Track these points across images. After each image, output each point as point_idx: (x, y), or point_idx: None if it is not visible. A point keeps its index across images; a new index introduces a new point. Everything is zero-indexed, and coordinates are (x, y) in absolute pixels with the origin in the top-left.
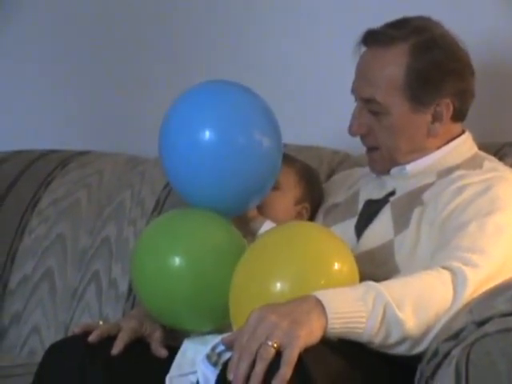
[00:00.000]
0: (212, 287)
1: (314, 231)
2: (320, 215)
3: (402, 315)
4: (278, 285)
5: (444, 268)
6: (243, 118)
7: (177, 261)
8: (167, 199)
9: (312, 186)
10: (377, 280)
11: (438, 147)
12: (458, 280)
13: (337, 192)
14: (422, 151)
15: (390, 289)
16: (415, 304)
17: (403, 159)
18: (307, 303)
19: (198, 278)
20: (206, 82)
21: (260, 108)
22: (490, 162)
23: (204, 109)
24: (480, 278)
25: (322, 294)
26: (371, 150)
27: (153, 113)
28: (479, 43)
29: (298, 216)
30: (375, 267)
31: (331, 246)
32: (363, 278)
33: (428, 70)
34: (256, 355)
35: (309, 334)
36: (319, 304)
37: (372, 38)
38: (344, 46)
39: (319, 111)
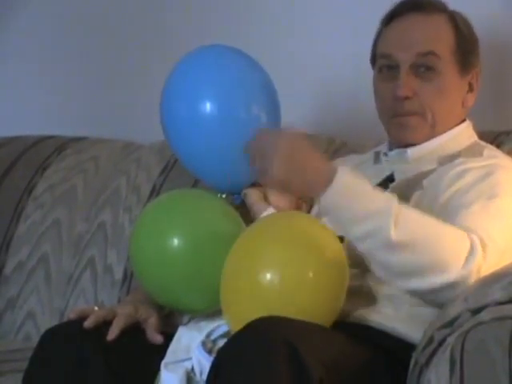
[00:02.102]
0: (210, 266)
1: (305, 222)
2: (316, 202)
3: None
4: (267, 276)
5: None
6: (245, 92)
7: (175, 241)
8: (163, 185)
9: None
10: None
11: (444, 131)
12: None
13: None
14: (454, 121)
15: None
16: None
17: (442, 125)
18: (323, 170)
19: (196, 258)
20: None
21: (263, 84)
22: (490, 150)
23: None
24: (486, 256)
25: (341, 172)
26: (412, 114)
27: (149, 99)
28: (481, 29)
29: (298, 208)
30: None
31: (319, 236)
32: (361, 260)
33: (471, 37)
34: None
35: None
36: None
37: (415, 4)
38: (344, 33)
39: (317, 99)
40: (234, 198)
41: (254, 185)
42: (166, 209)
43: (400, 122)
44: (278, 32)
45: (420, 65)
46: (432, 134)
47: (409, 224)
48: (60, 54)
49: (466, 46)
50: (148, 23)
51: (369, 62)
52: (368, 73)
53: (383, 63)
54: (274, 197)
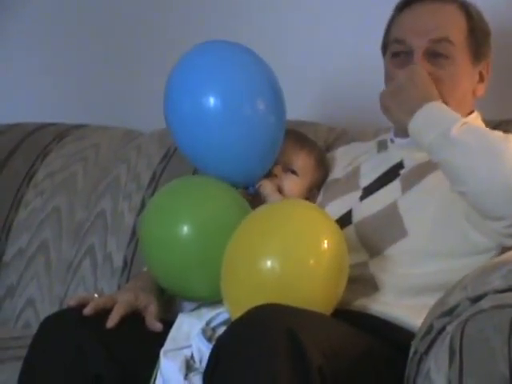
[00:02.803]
0: (218, 254)
1: (305, 210)
2: (320, 191)
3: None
4: (267, 263)
5: None
6: (250, 86)
7: (184, 227)
8: (163, 173)
9: (326, 171)
10: (385, 242)
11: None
12: None
13: (336, 168)
14: (465, 109)
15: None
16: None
17: None
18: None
19: (204, 245)
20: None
21: (267, 78)
22: None
23: (209, 75)
24: None
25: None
26: None
27: (150, 87)
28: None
29: (310, 197)
30: (383, 229)
31: (320, 224)
32: (371, 244)
33: (483, 27)
34: None
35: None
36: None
37: None
38: (347, 23)
39: (317, 87)
40: (248, 189)
41: (267, 176)
42: (177, 195)
43: None
44: (280, 25)
45: (434, 51)
46: None
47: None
48: (61, 41)
49: (478, 35)
50: (152, 12)
51: (368, 51)
52: (368, 62)
53: (397, 49)
54: (287, 186)
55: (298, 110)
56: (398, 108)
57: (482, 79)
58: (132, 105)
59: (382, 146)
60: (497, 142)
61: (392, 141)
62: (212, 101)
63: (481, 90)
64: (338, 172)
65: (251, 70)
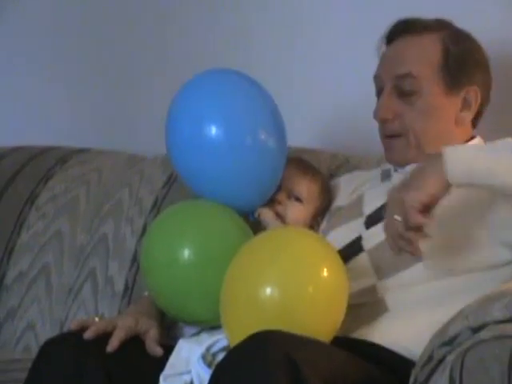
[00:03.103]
0: (219, 275)
1: (305, 237)
2: (324, 219)
3: None
4: (266, 291)
5: None
6: (251, 116)
7: (185, 251)
8: (165, 198)
9: (330, 198)
10: (399, 266)
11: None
12: None
13: (339, 195)
14: (447, 141)
15: None
16: None
17: (427, 147)
18: (429, 164)
19: (206, 269)
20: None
21: (268, 108)
22: None
23: (211, 103)
24: None
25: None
26: (394, 137)
27: (153, 112)
28: (488, 42)
29: (311, 228)
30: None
31: (319, 252)
32: (385, 266)
33: (463, 55)
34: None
35: (424, 190)
36: (440, 157)
37: (406, 26)
38: (350, 52)
39: (319, 114)
40: (248, 217)
41: (270, 203)
42: (179, 218)
43: (386, 144)
44: (282, 53)
45: (400, 87)
46: (418, 155)
47: None
48: (64, 66)
49: (455, 64)
50: (154, 35)
51: (370, 78)
52: (370, 89)
53: (376, 85)
54: (291, 214)
55: (300, 137)
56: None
57: (467, 106)
58: (135, 130)
59: (386, 175)
60: None
61: (395, 170)
62: (213, 129)
63: (468, 117)
64: (341, 199)
65: (252, 98)
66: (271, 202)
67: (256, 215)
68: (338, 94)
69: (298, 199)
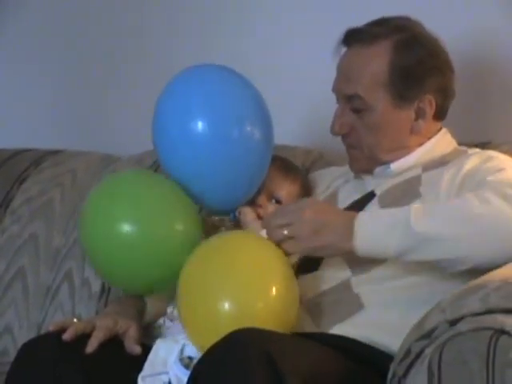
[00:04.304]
0: (163, 244)
1: (257, 246)
2: None
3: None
4: (221, 306)
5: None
6: (236, 109)
7: (126, 225)
8: None
9: (309, 196)
10: (371, 263)
11: (420, 144)
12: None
13: (315, 191)
14: (403, 149)
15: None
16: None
17: (385, 157)
18: (344, 223)
19: (147, 239)
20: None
21: (254, 100)
22: (473, 149)
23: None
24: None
25: (359, 220)
26: (352, 147)
27: (127, 112)
28: (460, 42)
29: None
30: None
31: (271, 265)
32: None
33: (411, 67)
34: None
35: (321, 248)
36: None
37: (354, 37)
38: (320, 45)
39: (294, 110)
40: (229, 216)
41: (251, 205)
42: (112, 194)
43: (347, 153)
44: (262, 48)
45: (351, 104)
46: (379, 163)
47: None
48: (38, 66)
49: (402, 78)
50: (130, 36)
51: None
52: None
53: (335, 95)
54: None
55: (275, 133)
56: (330, 240)
57: (422, 115)
58: (109, 130)
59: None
60: (462, 207)
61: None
62: (200, 125)
63: (422, 125)
64: (317, 196)
65: (239, 93)
66: (252, 205)
67: (237, 214)
68: (312, 90)
69: (279, 201)
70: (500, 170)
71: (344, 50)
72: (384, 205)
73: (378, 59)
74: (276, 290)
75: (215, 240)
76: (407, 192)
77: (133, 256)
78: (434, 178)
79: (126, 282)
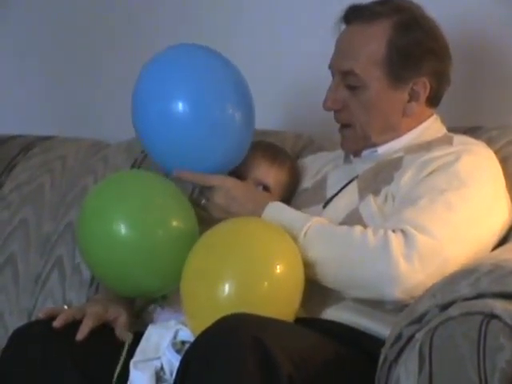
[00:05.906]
0: (160, 248)
1: (263, 231)
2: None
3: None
4: (224, 287)
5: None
6: (217, 89)
7: (122, 225)
8: None
9: (298, 182)
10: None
11: (410, 129)
12: (405, 238)
13: (304, 177)
14: (394, 131)
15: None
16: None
17: (376, 138)
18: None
19: (144, 241)
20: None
21: (234, 80)
22: (460, 137)
23: (178, 78)
24: (413, 245)
25: (269, 207)
26: (344, 127)
27: (117, 98)
28: (452, 27)
29: None
30: None
31: (278, 246)
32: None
33: (409, 47)
34: None
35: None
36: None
37: (355, 14)
38: (313, 32)
39: (283, 95)
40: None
41: None
42: (113, 193)
43: (340, 132)
44: (247, 31)
45: (346, 80)
46: (369, 144)
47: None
48: (28, 53)
49: (400, 58)
50: (117, 23)
51: None
52: None
53: (331, 72)
54: None
55: (264, 118)
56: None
57: (416, 98)
58: (98, 116)
59: (347, 159)
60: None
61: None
62: (179, 103)
63: (415, 108)
64: (307, 181)
65: (220, 72)
66: None
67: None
68: (301, 74)
69: (266, 187)
70: (443, 191)
71: (343, 26)
72: (361, 187)
73: (376, 38)
74: (280, 270)
75: (220, 226)
76: (382, 176)
77: (130, 259)
78: (407, 163)
79: (119, 284)
